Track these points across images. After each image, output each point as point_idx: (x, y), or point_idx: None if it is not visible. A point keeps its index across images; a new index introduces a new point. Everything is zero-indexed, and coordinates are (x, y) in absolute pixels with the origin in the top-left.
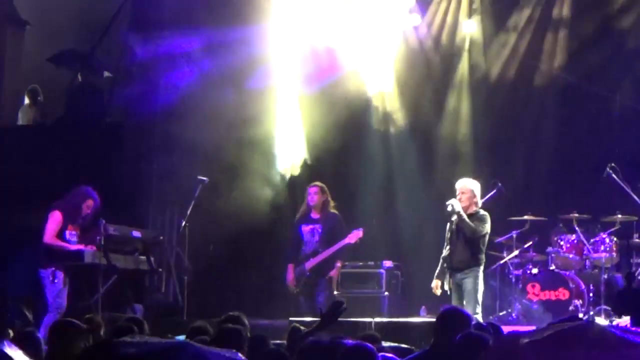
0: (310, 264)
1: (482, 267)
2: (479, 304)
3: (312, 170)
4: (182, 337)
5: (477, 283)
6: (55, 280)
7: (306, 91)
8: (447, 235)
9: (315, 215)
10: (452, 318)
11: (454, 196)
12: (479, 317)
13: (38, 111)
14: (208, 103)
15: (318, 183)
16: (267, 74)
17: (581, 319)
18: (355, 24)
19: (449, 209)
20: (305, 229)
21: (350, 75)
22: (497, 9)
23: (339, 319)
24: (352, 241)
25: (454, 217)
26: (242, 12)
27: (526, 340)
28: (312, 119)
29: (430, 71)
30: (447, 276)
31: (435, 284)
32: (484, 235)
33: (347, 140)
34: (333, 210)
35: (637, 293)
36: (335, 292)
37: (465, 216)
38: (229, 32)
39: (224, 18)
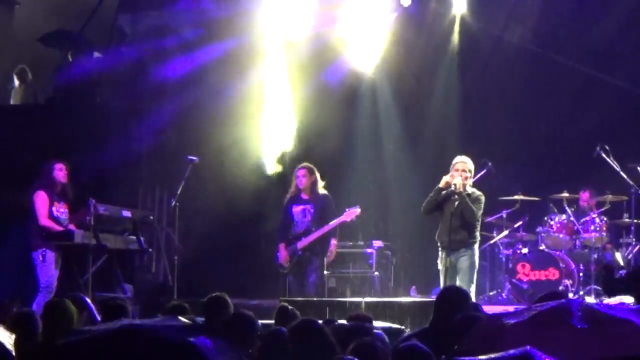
0: (302, 243)
1: (478, 245)
2: (473, 283)
3: (301, 150)
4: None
5: (474, 261)
6: (47, 260)
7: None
8: (430, 200)
9: (305, 196)
10: (453, 297)
11: (446, 173)
12: (472, 296)
13: (29, 91)
14: (198, 81)
15: (305, 164)
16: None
17: (561, 294)
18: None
19: (453, 188)
20: (296, 209)
21: (341, 53)
22: None
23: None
24: (349, 219)
25: (454, 197)
26: None
27: (511, 321)
28: (302, 99)
29: (420, 49)
30: (441, 254)
31: None
32: (480, 216)
33: (336, 118)
34: (323, 190)
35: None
36: (325, 272)
37: (467, 199)
38: (220, 7)
39: None
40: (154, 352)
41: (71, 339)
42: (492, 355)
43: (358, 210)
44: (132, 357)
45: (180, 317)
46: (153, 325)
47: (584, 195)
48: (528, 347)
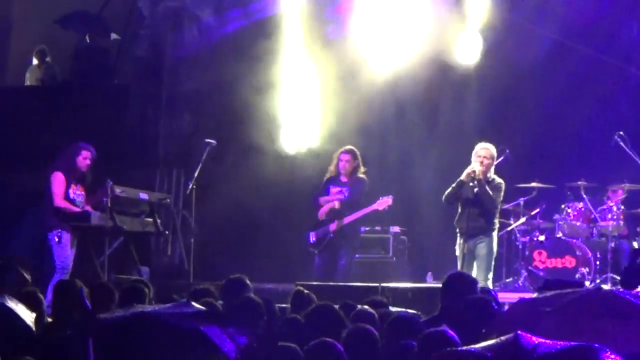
0: (335, 225)
1: (496, 232)
2: (490, 270)
3: (321, 135)
4: None
5: (492, 248)
6: (63, 242)
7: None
8: (452, 192)
9: (344, 178)
10: (459, 283)
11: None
12: (489, 284)
13: (46, 72)
14: (217, 64)
15: (350, 148)
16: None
17: (582, 283)
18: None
19: (473, 175)
20: (333, 190)
21: (358, 39)
22: None
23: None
24: (381, 207)
25: (473, 184)
26: None
27: (547, 308)
28: (323, 85)
29: (439, 39)
30: (459, 240)
31: None
32: (500, 203)
33: (355, 104)
34: (362, 175)
35: None
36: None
37: (486, 186)
38: None
39: None
40: (164, 340)
41: (77, 328)
42: (485, 343)
43: (390, 200)
44: (143, 345)
45: (193, 303)
46: (164, 312)
47: (616, 195)
48: (518, 332)
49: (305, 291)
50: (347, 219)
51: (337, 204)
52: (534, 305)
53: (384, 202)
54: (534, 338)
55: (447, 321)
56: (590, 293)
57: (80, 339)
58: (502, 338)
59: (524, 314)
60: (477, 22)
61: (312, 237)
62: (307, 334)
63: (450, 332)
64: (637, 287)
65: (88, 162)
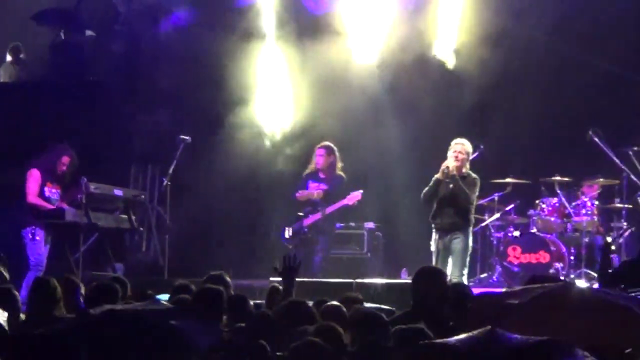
0: (309, 220)
1: (471, 228)
2: (466, 266)
3: (297, 131)
4: (164, 296)
5: (468, 244)
6: (37, 238)
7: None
8: (430, 191)
9: (322, 175)
10: (429, 277)
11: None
12: (464, 279)
13: (20, 68)
14: (192, 60)
15: (326, 144)
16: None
17: (551, 277)
18: None
19: (446, 171)
20: (312, 185)
21: (342, 35)
22: None
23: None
24: (351, 202)
25: (448, 180)
26: None
27: (514, 302)
28: (298, 79)
29: (416, 35)
30: (435, 236)
31: None
32: (475, 199)
33: (331, 101)
34: (340, 172)
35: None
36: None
37: (461, 182)
38: None
39: None
40: (135, 336)
41: (51, 327)
42: (459, 337)
43: (359, 194)
44: (114, 343)
45: (163, 300)
46: (134, 309)
47: (590, 190)
48: (493, 327)
49: (281, 288)
50: (319, 215)
51: (315, 194)
52: (501, 299)
53: (354, 197)
54: (507, 333)
55: (419, 316)
56: (557, 288)
57: (66, 337)
58: (477, 332)
59: (491, 307)
60: (456, 20)
61: (287, 233)
62: (278, 329)
63: (424, 327)
64: (615, 285)
65: (66, 168)
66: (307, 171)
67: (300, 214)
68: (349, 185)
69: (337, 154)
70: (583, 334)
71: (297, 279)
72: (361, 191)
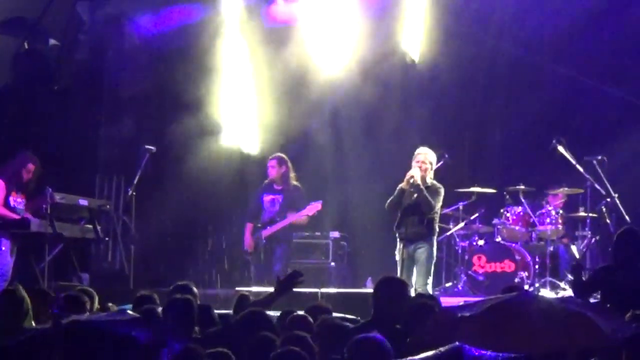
0: (267, 231)
1: (436, 237)
2: (430, 275)
3: (261, 141)
4: (128, 306)
5: (432, 253)
6: (2, 249)
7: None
8: (395, 200)
9: (277, 186)
10: (389, 287)
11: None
12: (429, 288)
13: None
14: (158, 70)
15: (276, 155)
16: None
17: (517, 288)
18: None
19: (411, 180)
20: (267, 198)
21: (299, 45)
22: None
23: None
24: (310, 213)
25: (412, 189)
26: None
27: (466, 314)
28: (263, 91)
29: (380, 41)
30: (399, 246)
31: None
32: (439, 208)
33: (296, 110)
34: (295, 183)
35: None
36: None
37: (425, 191)
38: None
39: None
40: (99, 348)
41: (17, 338)
42: (425, 355)
43: (319, 205)
44: (78, 354)
45: (129, 311)
46: (98, 320)
47: (554, 199)
48: (458, 343)
49: (251, 297)
50: (277, 225)
51: (309, 215)
52: (455, 312)
53: (314, 208)
54: (474, 349)
55: (379, 327)
56: (511, 298)
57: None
58: (444, 349)
59: (446, 320)
60: (419, 29)
61: (247, 244)
62: (240, 338)
63: (380, 337)
64: (591, 293)
65: (31, 176)
66: (262, 185)
67: (259, 225)
68: (310, 195)
69: (289, 164)
70: (539, 343)
71: (260, 289)
72: (321, 201)
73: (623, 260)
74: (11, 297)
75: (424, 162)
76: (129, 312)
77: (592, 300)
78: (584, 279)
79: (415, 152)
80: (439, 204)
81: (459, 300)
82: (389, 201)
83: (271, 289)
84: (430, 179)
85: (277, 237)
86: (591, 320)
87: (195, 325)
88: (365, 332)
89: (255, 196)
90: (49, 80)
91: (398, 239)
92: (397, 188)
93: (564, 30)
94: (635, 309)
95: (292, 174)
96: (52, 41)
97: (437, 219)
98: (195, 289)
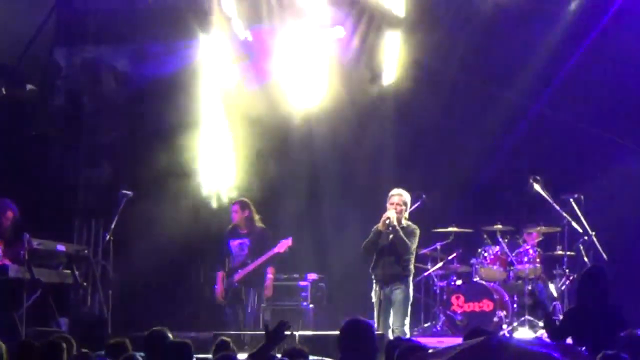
0: (239, 275)
1: (411, 278)
2: (407, 316)
3: (238, 182)
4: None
5: (408, 294)
6: None
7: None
8: (371, 241)
9: (242, 230)
10: (354, 329)
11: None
12: (407, 329)
13: None
14: (135, 114)
15: (238, 200)
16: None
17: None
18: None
19: (387, 222)
20: (234, 243)
21: (275, 85)
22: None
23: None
24: (282, 250)
25: (388, 231)
26: (167, 27)
27: None
28: (239, 132)
29: (352, 81)
30: (375, 287)
31: None
32: (414, 249)
33: (272, 150)
34: (260, 224)
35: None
36: (263, 305)
37: (401, 232)
38: (155, 45)
39: (149, 32)
40: None
41: None
42: None
43: (289, 241)
44: None
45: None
46: None
47: (531, 238)
48: None
49: (228, 340)
50: (249, 267)
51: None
52: (424, 358)
53: (284, 244)
54: None
55: None
56: (478, 343)
57: None
58: None
59: None
60: (393, 66)
61: (218, 294)
62: None
63: None
64: (564, 338)
65: (9, 223)
66: (227, 231)
67: (229, 270)
68: (278, 235)
69: (251, 207)
70: None
71: (240, 332)
72: (290, 237)
73: (590, 300)
74: None
75: (399, 203)
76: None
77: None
78: (557, 323)
79: (390, 194)
80: (414, 245)
81: (437, 341)
82: (365, 243)
83: (245, 332)
84: (405, 220)
85: (249, 280)
86: None
87: None
88: None
89: (222, 243)
90: (25, 125)
91: (374, 281)
92: (373, 229)
93: (539, 68)
94: (606, 349)
95: (256, 217)
96: (29, 86)
97: (412, 260)
98: (170, 335)
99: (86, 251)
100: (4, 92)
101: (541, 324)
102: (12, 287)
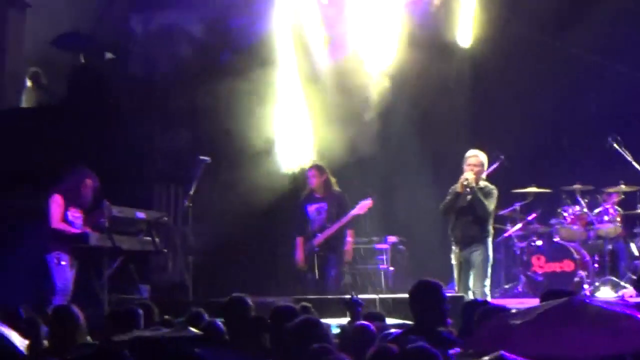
0: (318, 239)
1: (491, 239)
2: (487, 277)
3: (313, 147)
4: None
5: (488, 255)
6: (62, 263)
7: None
8: (449, 203)
9: (318, 194)
10: (424, 291)
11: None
12: (487, 290)
13: (42, 93)
14: (212, 81)
15: (315, 164)
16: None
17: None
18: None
19: (465, 183)
20: (311, 208)
21: (352, 51)
22: None
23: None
24: (362, 212)
25: (466, 192)
26: None
27: (518, 322)
28: (314, 100)
29: (428, 44)
30: (454, 249)
31: None
32: (493, 210)
33: (345, 114)
34: (336, 188)
35: None
36: (343, 268)
37: (479, 193)
38: (229, 9)
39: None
40: None
41: (80, 352)
42: None
43: (369, 202)
44: None
45: (191, 328)
46: (162, 337)
47: (611, 197)
48: (501, 352)
49: (311, 306)
50: (328, 231)
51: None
52: (504, 320)
53: (364, 206)
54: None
55: (420, 332)
56: (560, 304)
57: None
58: (487, 358)
59: (495, 329)
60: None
61: (299, 259)
62: (294, 348)
63: (425, 346)
64: None
65: (89, 191)
66: (302, 196)
67: (309, 235)
68: (355, 198)
69: (327, 171)
70: (589, 347)
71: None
72: (370, 198)
73: None
74: (63, 313)
75: (476, 164)
76: (192, 328)
77: None
78: None
79: (466, 155)
80: (492, 205)
81: (519, 301)
82: (442, 204)
83: (328, 296)
84: (483, 181)
85: (329, 243)
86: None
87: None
88: (408, 340)
89: (299, 209)
90: (104, 93)
91: (453, 243)
92: (450, 190)
93: (621, 28)
94: None
95: (333, 180)
96: (107, 55)
97: (491, 221)
98: (249, 301)
99: (166, 218)
100: (83, 61)
101: (623, 283)
102: (93, 254)
